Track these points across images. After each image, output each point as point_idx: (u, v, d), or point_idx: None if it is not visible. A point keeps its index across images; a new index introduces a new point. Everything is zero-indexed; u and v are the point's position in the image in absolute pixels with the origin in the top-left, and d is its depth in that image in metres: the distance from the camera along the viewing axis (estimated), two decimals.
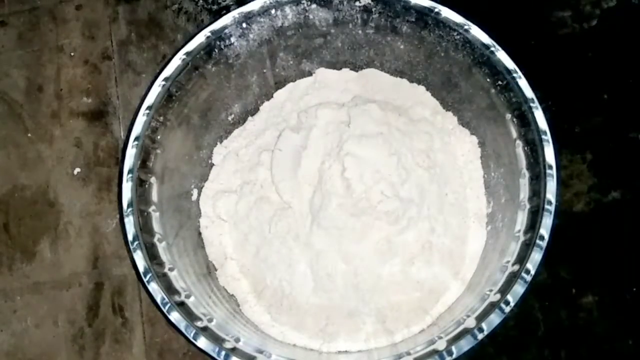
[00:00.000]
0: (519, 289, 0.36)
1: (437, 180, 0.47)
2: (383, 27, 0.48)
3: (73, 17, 0.60)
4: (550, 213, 0.38)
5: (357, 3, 0.47)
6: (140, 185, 0.42)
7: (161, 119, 0.44)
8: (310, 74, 0.53)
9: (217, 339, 0.37)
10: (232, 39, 0.47)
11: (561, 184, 0.50)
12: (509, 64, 0.43)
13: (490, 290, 0.38)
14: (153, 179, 0.43)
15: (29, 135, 0.56)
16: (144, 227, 0.41)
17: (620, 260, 0.48)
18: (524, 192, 0.41)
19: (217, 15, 0.58)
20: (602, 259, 0.48)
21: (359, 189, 0.44)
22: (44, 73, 0.58)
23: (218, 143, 0.51)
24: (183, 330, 0.37)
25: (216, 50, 0.47)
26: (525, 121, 0.42)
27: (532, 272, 0.37)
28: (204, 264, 0.47)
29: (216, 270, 0.47)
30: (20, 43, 0.59)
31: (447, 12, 0.44)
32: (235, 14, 0.46)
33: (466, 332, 0.36)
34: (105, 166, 0.54)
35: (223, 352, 0.36)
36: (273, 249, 0.45)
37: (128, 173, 0.41)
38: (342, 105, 0.50)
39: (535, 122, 0.41)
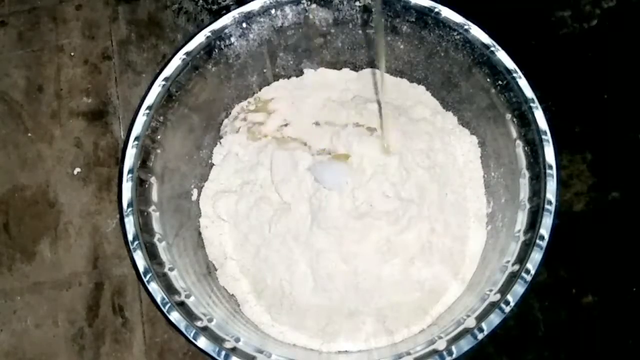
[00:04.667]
0: (519, 289, 0.36)
1: (437, 180, 0.47)
2: (383, 27, 0.48)
3: (73, 17, 0.60)
4: (550, 213, 0.38)
5: (357, 3, 0.47)
6: (140, 185, 0.42)
7: (161, 119, 0.44)
8: None
9: (217, 339, 0.37)
10: (232, 39, 0.47)
11: (561, 184, 0.50)
12: (509, 64, 0.43)
13: (490, 290, 0.38)
14: (153, 179, 0.43)
15: (29, 135, 0.56)
16: (144, 227, 0.41)
17: (620, 260, 0.48)
18: (524, 192, 0.41)
19: (217, 15, 0.58)
20: (602, 259, 0.48)
21: (359, 189, 0.44)
22: (44, 73, 0.58)
23: (218, 143, 0.51)
24: (183, 330, 0.37)
25: (216, 50, 0.47)
26: (525, 121, 0.42)
27: (532, 272, 0.37)
28: (204, 264, 0.47)
29: (216, 270, 0.47)
30: (20, 43, 0.59)
31: (447, 12, 0.44)
32: (235, 14, 0.46)
33: (466, 332, 0.36)
34: (105, 166, 0.54)
35: (223, 352, 0.36)
36: (273, 249, 0.45)
37: (128, 173, 0.41)
38: (342, 104, 0.50)
39: (535, 122, 0.41)
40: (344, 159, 0.46)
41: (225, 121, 0.51)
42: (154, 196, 0.43)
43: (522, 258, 0.38)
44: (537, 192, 0.40)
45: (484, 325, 0.36)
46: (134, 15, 0.60)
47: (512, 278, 0.37)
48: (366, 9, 0.47)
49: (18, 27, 0.60)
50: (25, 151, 0.55)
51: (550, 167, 0.39)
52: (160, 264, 0.40)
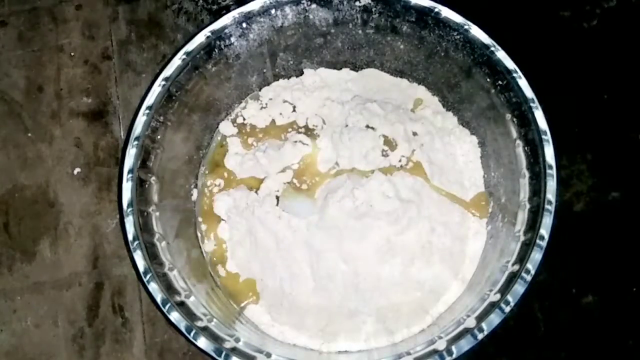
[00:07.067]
0: (519, 289, 0.37)
1: (437, 180, 0.47)
2: (383, 27, 0.48)
3: (73, 17, 0.60)
4: (550, 213, 0.38)
5: (357, 3, 0.47)
6: (140, 185, 0.42)
7: (161, 119, 0.44)
8: None
9: (217, 339, 0.37)
10: (232, 39, 0.47)
11: (561, 184, 0.50)
12: (509, 64, 0.43)
13: (490, 290, 0.38)
14: (153, 179, 0.43)
15: (29, 135, 0.56)
16: (144, 227, 0.41)
17: (620, 260, 0.48)
18: (524, 192, 0.41)
19: (217, 15, 0.58)
20: (602, 259, 0.48)
21: (359, 189, 0.44)
22: (44, 73, 0.58)
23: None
24: (183, 330, 0.37)
25: (216, 50, 0.47)
26: (525, 121, 0.42)
27: (532, 272, 0.37)
28: (204, 263, 0.47)
29: (216, 269, 0.47)
30: (20, 43, 0.59)
31: (447, 12, 0.44)
32: (235, 14, 0.46)
33: (466, 332, 0.36)
34: (105, 166, 0.54)
35: (223, 352, 0.36)
36: (273, 249, 0.45)
37: (128, 173, 0.41)
38: (342, 104, 0.50)
39: (535, 122, 0.41)
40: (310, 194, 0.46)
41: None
42: (154, 196, 0.43)
43: (522, 258, 0.38)
44: (537, 192, 0.40)
45: (484, 325, 0.36)
46: (134, 15, 0.60)
47: (512, 278, 0.37)
48: (366, 9, 0.47)
49: (18, 27, 0.60)
50: (25, 151, 0.55)
51: (550, 167, 0.39)
52: (160, 264, 0.40)
